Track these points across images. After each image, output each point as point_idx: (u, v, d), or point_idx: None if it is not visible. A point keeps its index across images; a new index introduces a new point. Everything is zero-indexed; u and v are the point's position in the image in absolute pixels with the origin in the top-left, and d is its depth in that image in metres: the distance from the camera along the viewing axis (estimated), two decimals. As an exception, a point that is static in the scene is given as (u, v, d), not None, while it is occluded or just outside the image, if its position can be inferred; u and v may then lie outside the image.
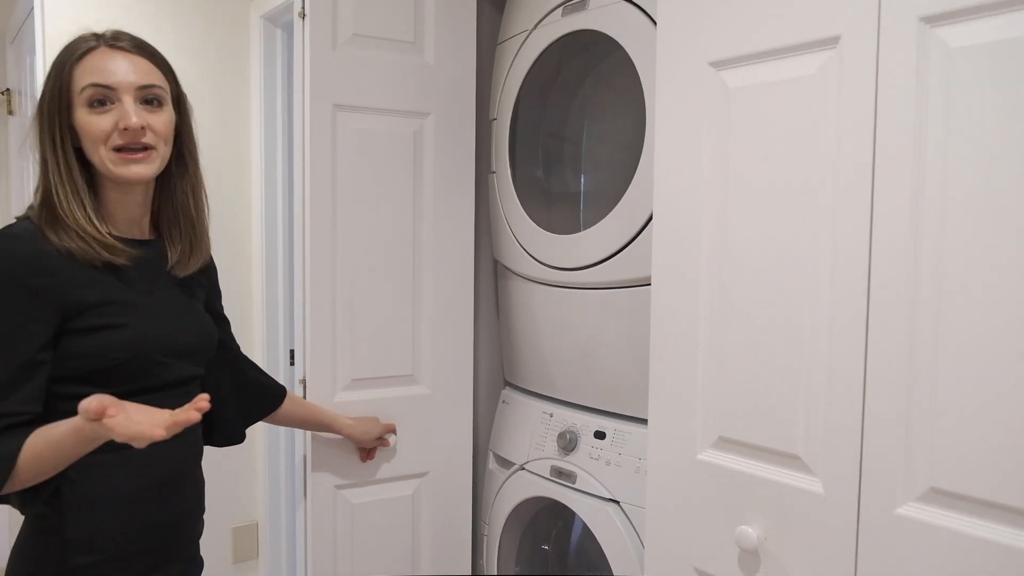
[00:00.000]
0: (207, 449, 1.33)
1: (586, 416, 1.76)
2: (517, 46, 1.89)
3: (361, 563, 1.84)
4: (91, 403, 0.92)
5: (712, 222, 1.20)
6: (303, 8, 1.72)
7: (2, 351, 1.04)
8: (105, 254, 1.10)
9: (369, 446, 1.80)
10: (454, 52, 1.89)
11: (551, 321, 1.83)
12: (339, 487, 1.80)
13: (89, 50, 1.11)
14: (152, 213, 1.22)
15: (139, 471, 1.15)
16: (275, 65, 2.27)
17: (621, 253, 1.61)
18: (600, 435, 1.70)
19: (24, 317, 1.05)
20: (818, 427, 1.07)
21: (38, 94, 1.13)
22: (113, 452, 1.05)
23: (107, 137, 1.10)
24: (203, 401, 0.97)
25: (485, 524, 2.02)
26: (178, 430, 0.95)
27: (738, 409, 1.17)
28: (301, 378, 1.77)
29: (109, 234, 1.12)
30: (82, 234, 1.09)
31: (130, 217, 1.18)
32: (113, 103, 1.10)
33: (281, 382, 1.57)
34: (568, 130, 2.01)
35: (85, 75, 1.10)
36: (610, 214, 1.63)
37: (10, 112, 2.83)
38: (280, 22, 2.23)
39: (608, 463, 1.66)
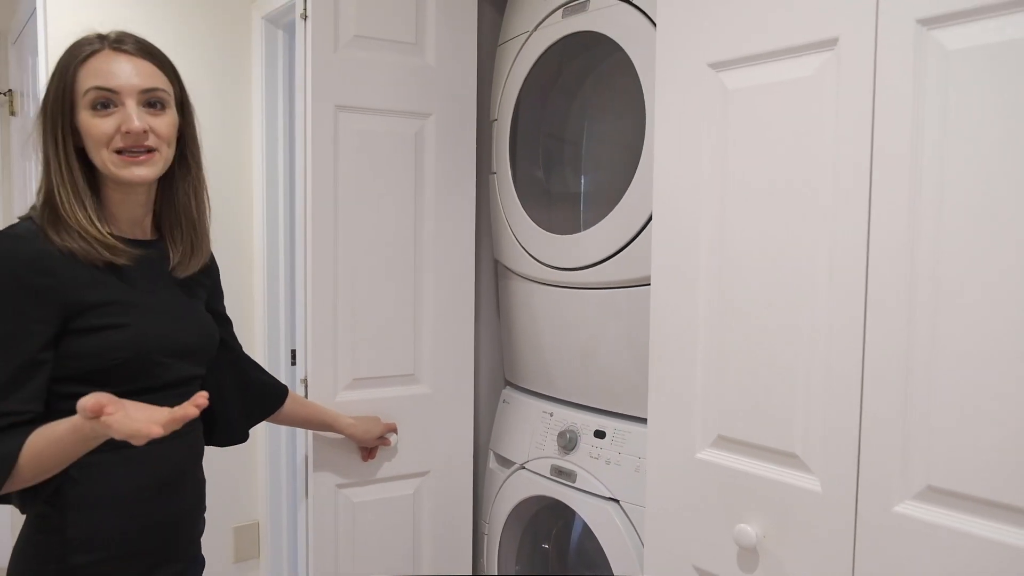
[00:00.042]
0: (208, 448, 1.33)
1: (586, 415, 1.77)
2: (518, 47, 1.89)
3: (362, 562, 1.84)
4: (88, 401, 0.92)
5: (711, 222, 1.20)
6: (305, 9, 1.72)
7: (3, 350, 1.04)
8: (106, 254, 1.11)
9: (370, 445, 1.81)
10: (455, 53, 1.89)
11: (551, 321, 1.83)
12: (340, 486, 1.81)
13: (93, 52, 1.11)
14: (154, 214, 1.23)
15: (140, 470, 1.15)
16: (276, 66, 2.28)
17: (621, 253, 1.61)
18: (600, 434, 1.70)
19: (26, 317, 1.05)
20: (816, 426, 1.07)
21: (40, 95, 1.13)
22: (114, 451, 1.06)
23: (110, 140, 1.10)
24: (202, 398, 0.98)
25: (485, 523, 2.02)
26: (176, 427, 0.96)
27: (737, 408, 1.18)
28: (302, 378, 1.78)
29: (110, 234, 1.12)
30: (84, 234, 1.09)
31: (132, 217, 1.19)
32: (116, 106, 1.10)
33: (283, 382, 1.57)
34: (568, 131, 2.01)
35: (89, 78, 1.10)
36: (610, 214, 1.63)
37: (12, 113, 2.84)
38: (282, 23, 2.24)
39: (608, 462, 1.67)
